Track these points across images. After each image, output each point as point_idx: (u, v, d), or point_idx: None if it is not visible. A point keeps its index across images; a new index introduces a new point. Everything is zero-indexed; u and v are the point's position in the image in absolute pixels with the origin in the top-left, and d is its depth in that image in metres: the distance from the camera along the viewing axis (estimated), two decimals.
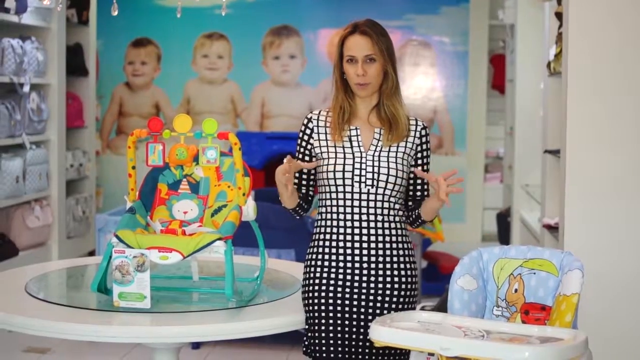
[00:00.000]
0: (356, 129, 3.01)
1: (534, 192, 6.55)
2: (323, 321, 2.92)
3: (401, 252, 2.98)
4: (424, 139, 3.04)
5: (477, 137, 8.98)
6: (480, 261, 2.92)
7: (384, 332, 2.52)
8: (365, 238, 2.94)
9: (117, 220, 5.47)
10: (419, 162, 3.04)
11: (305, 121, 3.06)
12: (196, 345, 5.23)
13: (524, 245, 3.06)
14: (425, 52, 8.82)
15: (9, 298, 3.13)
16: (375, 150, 2.97)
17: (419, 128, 3.04)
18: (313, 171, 3.05)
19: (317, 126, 3.03)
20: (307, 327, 2.98)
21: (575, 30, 3.76)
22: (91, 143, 7.68)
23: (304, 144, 3.05)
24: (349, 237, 2.94)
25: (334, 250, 2.95)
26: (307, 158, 3.03)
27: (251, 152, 7.25)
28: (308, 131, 3.04)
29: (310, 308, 2.95)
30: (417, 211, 3.04)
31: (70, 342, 5.07)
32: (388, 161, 2.96)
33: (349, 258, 2.94)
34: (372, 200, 2.94)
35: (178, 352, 3.12)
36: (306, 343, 2.99)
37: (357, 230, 2.94)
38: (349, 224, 2.94)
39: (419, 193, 3.06)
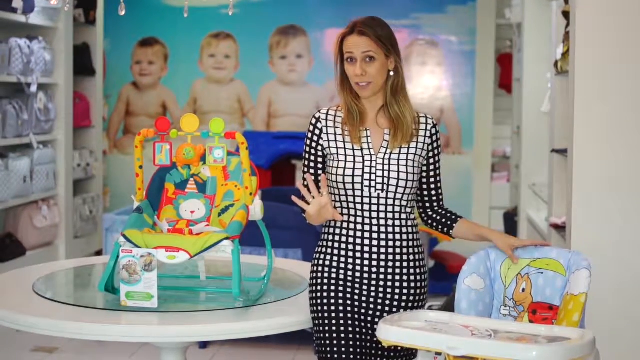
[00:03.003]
0: (366, 130, 2.95)
1: (541, 191, 6.54)
2: (334, 322, 2.88)
3: (412, 257, 2.94)
4: (434, 138, 2.99)
5: (484, 136, 8.96)
6: (488, 261, 2.92)
7: (391, 331, 2.52)
8: (375, 242, 2.90)
9: (125, 219, 5.48)
10: (431, 161, 2.99)
11: (314, 121, 2.99)
12: (203, 345, 5.24)
13: None
14: (433, 51, 8.80)
15: (16, 298, 3.14)
16: (385, 153, 2.91)
17: (429, 127, 2.99)
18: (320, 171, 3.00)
19: (327, 126, 2.97)
20: (314, 328, 2.95)
21: (582, 29, 3.75)
22: (98, 143, 7.70)
23: (313, 144, 2.98)
24: (358, 241, 2.90)
25: (342, 253, 2.92)
26: (319, 159, 2.97)
27: (258, 151, 7.25)
28: (317, 132, 2.97)
29: (319, 308, 2.92)
30: (449, 230, 2.98)
31: (77, 341, 5.07)
32: (398, 164, 2.90)
33: (358, 262, 2.90)
34: (382, 205, 2.90)
35: (185, 352, 3.13)
36: (316, 344, 2.96)
37: (367, 235, 2.90)
38: (359, 227, 2.90)
39: (433, 192, 3.02)
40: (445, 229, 3.01)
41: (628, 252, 3.73)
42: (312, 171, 2.98)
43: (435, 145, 3.00)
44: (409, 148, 2.93)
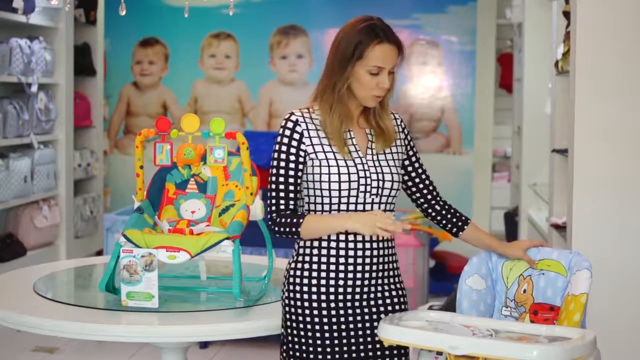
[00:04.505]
0: (349, 131, 2.76)
1: (542, 191, 6.54)
2: (310, 334, 2.73)
3: (395, 265, 2.81)
4: (406, 131, 2.87)
5: (485, 137, 8.96)
6: (489, 261, 2.92)
7: (393, 331, 2.52)
8: (368, 253, 2.71)
9: (125, 219, 5.48)
10: (410, 153, 2.87)
11: (291, 124, 2.72)
12: (204, 345, 5.24)
13: None
14: (433, 51, 8.80)
15: (17, 298, 3.14)
16: (373, 155, 2.75)
17: (399, 122, 2.86)
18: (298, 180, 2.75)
19: (307, 129, 2.72)
20: (287, 335, 2.81)
21: (582, 29, 3.75)
22: (99, 143, 7.70)
23: (293, 150, 2.70)
24: (351, 253, 2.70)
25: (333, 268, 2.71)
26: (300, 167, 2.71)
27: (259, 151, 7.25)
28: (297, 135, 2.71)
29: (296, 317, 2.76)
30: (458, 232, 2.90)
31: (78, 341, 5.08)
32: (389, 166, 2.76)
33: (349, 276, 2.72)
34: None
35: (186, 352, 3.13)
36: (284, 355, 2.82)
37: (360, 245, 2.71)
38: (351, 237, 2.70)
39: (427, 182, 2.90)
40: (455, 229, 2.91)
41: (628, 252, 3.73)
42: (291, 180, 2.72)
43: (409, 137, 2.87)
44: (391, 147, 2.80)
